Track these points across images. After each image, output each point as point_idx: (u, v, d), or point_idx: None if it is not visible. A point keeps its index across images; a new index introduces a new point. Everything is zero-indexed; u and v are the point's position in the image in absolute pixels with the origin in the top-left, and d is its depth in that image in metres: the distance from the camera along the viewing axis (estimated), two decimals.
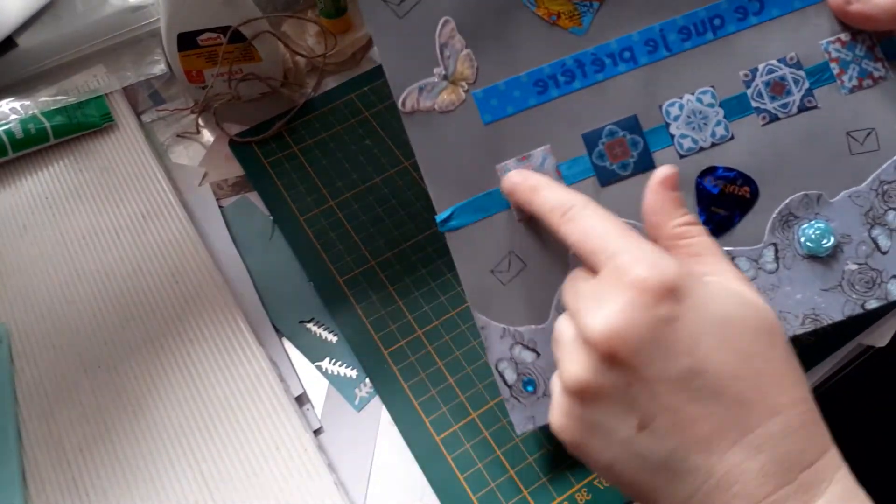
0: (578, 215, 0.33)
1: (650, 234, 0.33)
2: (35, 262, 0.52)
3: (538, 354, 0.39)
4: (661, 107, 0.39)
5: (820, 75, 0.39)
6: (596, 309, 0.29)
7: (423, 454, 0.43)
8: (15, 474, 0.42)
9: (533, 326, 0.39)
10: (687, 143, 0.39)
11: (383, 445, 0.44)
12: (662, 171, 0.33)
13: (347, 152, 0.57)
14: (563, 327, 0.32)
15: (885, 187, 0.39)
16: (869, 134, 0.39)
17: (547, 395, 0.39)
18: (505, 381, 0.39)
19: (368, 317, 0.49)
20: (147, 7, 0.65)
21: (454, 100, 0.40)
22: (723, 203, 0.39)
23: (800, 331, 0.38)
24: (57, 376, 0.47)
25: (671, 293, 0.28)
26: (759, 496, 0.27)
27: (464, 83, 0.40)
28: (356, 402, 0.46)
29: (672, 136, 0.39)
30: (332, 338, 0.49)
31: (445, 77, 0.40)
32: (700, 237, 0.32)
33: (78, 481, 0.43)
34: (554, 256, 0.39)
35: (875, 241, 0.39)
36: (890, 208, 0.39)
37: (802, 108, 0.39)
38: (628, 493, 0.30)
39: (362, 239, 0.52)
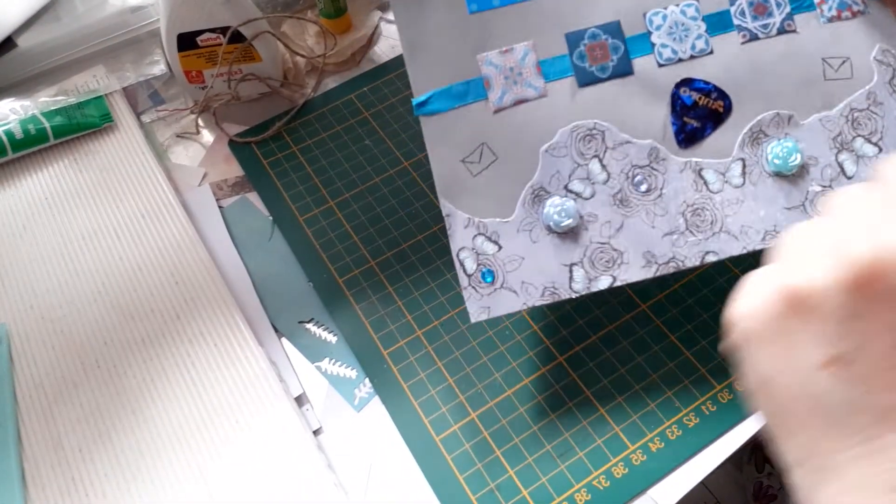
0: None
1: None
2: (35, 262, 0.52)
3: (500, 247, 0.39)
4: (645, 15, 0.40)
5: (801, 1, 0.40)
6: (880, 226, 0.25)
7: (422, 454, 0.43)
8: (15, 474, 0.43)
9: (498, 220, 0.39)
10: (667, 53, 0.40)
11: (383, 445, 0.44)
12: None
13: (347, 152, 0.57)
14: (814, 228, 0.27)
15: (856, 115, 0.39)
16: (844, 62, 0.39)
17: (504, 287, 0.39)
18: (465, 270, 0.39)
19: (368, 317, 0.49)
20: (147, 7, 0.65)
21: None
22: (696, 114, 0.40)
23: (759, 246, 0.39)
24: (57, 376, 0.47)
25: None
26: None
27: None
28: (356, 402, 0.46)
29: (653, 45, 0.40)
30: (332, 338, 0.49)
31: None
32: None
33: (77, 481, 0.43)
34: (526, 152, 0.39)
35: (841, 166, 0.39)
36: (858, 135, 0.39)
37: (781, 31, 0.40)
38: (760, 408, 0.27)
39: (362, 239, 0.52)
